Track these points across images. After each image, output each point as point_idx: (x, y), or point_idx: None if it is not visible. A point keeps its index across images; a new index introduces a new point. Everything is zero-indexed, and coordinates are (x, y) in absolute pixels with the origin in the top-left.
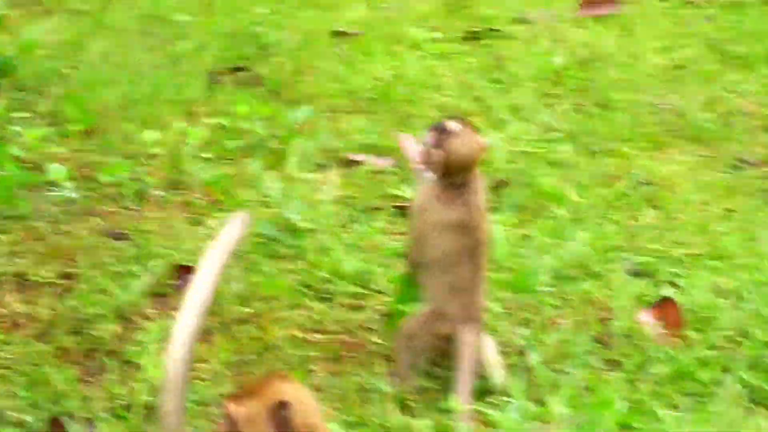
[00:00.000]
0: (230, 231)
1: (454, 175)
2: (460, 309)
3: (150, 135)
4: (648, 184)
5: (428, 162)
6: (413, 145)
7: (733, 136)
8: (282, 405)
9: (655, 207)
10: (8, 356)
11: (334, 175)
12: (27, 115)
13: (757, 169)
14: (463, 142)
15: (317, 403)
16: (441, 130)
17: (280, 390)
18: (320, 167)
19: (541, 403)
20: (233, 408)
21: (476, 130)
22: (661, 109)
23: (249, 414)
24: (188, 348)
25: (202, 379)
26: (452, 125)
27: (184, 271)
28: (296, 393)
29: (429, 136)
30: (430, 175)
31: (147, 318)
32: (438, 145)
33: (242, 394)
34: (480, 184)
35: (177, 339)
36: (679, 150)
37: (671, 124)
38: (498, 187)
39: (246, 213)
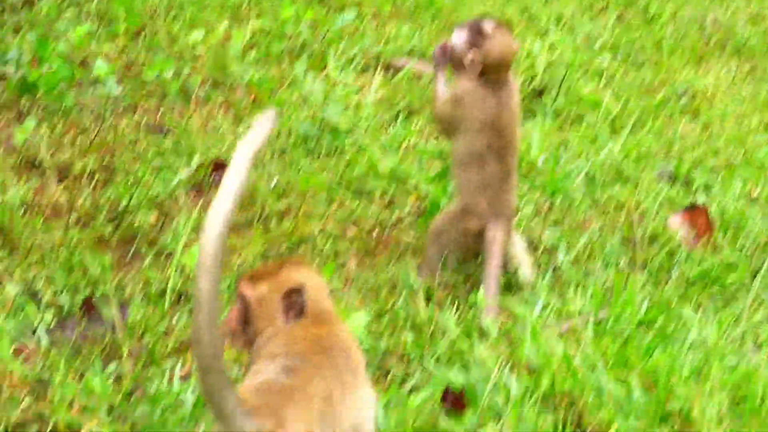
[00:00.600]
0: (260, 126)
1: (488, 73)
2: (489, 206)
3: (196, 36)
4: (688, 95)
5: (463, 60)
6: (447, 47)
7: None
8: (296, 290)
9: (693, 117)
10: (48, 242)
11: (375, 78)
12: (76, 14)
13: None
14: (499, 42)
15: (328, 289)
16: (477, 30)
17: (294, 275)
18: (363, 70)
19: (566, 299)
20: (247, 289)
21: (510, 30)
22: (706, 23)
23: (262, 296)
24: (221, 234)
25: (235, 270)
26: (487, 25)
27: (222, 166)
28: (309, 278)
29: (464, 35)
30: (464, 74)
31: (184, 210)
32: (474, 44)
33: (257, 277)
34: (514, 86)
35: (210, 225)
36: (721, 63)
37: (715, 38)
38: (538, 93)
39: (275, 110)
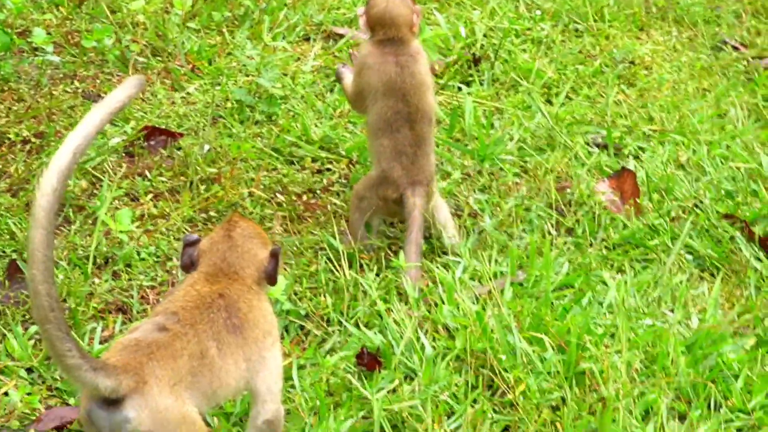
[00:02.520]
0: (123, 89)
1: (377, 32)
2: (405, 173)
3: (137, 4)
4: (626, 62)
5: (363, 21)
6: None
7: (718, 20)
8: (191, 242)
9: (630, 85)
10: None
11: (315, 47)
12: None
13: (738, 52)
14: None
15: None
16: None
17: (217, 229)
18: (304, 39)
19: (489, 263)
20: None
21: None
22: None
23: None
24: (55, 188)
25: (163, 234)
26: None
27: (156, 132)
28: (220, 234)
29: None
30: (364, 35)
31: (115, 176)
32: (367, 7)
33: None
34: (417, 52)
35: (46, 179)
36: (662, 32)
37: (658, 7)
38: (475, 61)
39: (142, 76)
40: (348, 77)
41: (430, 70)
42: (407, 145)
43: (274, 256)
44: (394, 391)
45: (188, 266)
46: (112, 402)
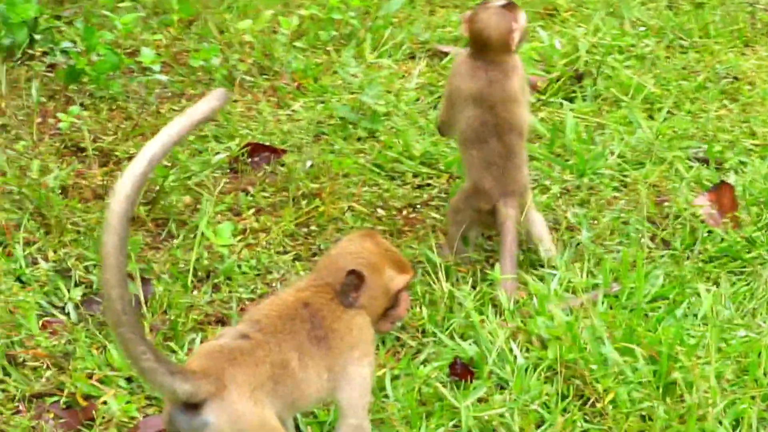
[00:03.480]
0: (206, 102)
1: (478, 49)
2: (496, 184)
3: (244, 24)
4: (729, 77)
5: (464, 28)
6: None
7: None
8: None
9: (733, 100)
10: (84, 222)
11: (419, 64)
12: (131, 5)
13: None
14: (489, 17)
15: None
16: (478, 6)
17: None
18: (409, 57)
19: (584, 276)
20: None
21: (516, 11)
22: (755, 7)
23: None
24: (129, 195)
25: (263, 248)
26: (490, 2)
27: (260, 149)
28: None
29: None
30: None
31: (219, 192)
32: (468, 18)
33: None
34: (513, 67)
35: (121, 186)
36: (767, 48)
37: (763, 23)
38: (578, 78)
39: (226, 90)
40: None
41: (526, 85)
42: (496, 156)
43: (349, 275)
44: (485, 400)
45: None
46: (193, 406)
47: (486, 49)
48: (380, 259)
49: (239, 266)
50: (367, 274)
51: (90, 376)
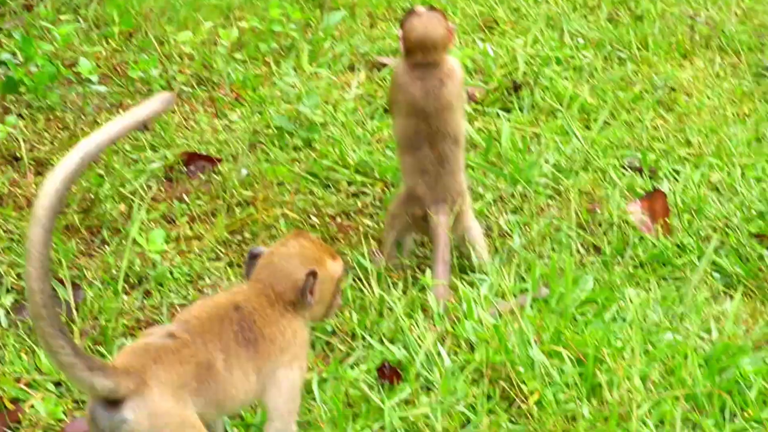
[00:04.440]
0: (149, 104)
1: (413, 55)
2: (429, 190)
3: (184, 35)
4: (666, 88)
5: (401, 43)
6: None
7: (762, 48)
8: (255, 254)
9: (669, 110)
10: (17, 230)
11: (358, 75)
12: (73, 17)
13: None
14: (421, 23)
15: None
16: (409, 11)
17: (284, 241)
18: (349, 69)
19: (514, 281)
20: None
21: (444, 17)
22: (696, 20)
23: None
24: (58, 190)
25: (196, 254)
26: (418, 8)
27: (196, 158)
28: (277, 249)
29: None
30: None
31: (153, 200)
32: (402, 25)
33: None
34: (448, 74)
35: (50, 180)
36: (705, 59)
37: (702, 35)
38: (515, 88)
39: (171, 94)
40: None
41: (462, 91)
42: (429, 163)
43: (308, 276)
44: (412, 402)
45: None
46: (113, 403)
47: (429, 53)
48: (320, 252)
49: (171, 272)
50: (318, 271)
51: (18, 380)
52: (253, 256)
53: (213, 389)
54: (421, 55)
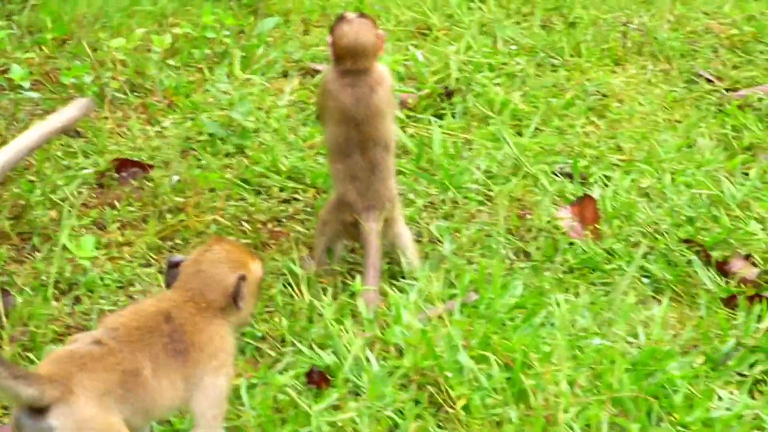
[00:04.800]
0: (68, 110)
1: (342, 61)
2: (359, 197)
3: (117, 42)
4: (598, 95)
5: (330, 50)
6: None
7: (694, 54)
8: (175, 263)
9: (600, 116)
10: None
11: (292, 82)
12: (3, 23)
13: (712, 85)
14: (352, 29)
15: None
16: (338, 18)
17: (202, 251)
18: (282, 75)
19: (443, 286)
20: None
21: (374, 24)
22: (628, 27)
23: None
24: None
25: (127, 261)
26: (348, 15)
27: (128, 164)
28: (201, 256)
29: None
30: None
31: (85, 206)
32: (331, 31)
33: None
34: (378, 81)
35: None
36: (637, 66)
37: (635, 42)
38: (447, 95)
39: (90, 100)
40: None
41: (392, 97)
42: (360, 170)
43: (240, 281)
44: (340, 408)
45: (168, 286)
46: (38, 411)
47: (358, 60)
48: (243, 256)
49: (102, 279)
50: (246, 274)
51: None
52: (173, 265)
53: (140, 397)
54: (350, 62)
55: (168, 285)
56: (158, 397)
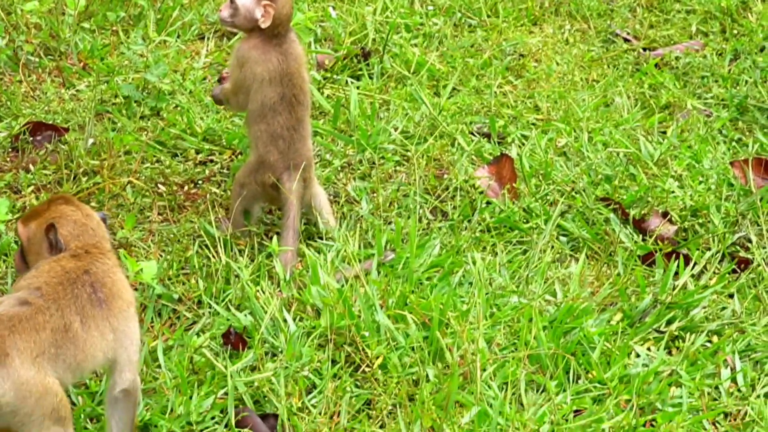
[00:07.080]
0: None
1: (278, 29)
2: (281, 157)
3: (30, 5)
4: (516, 55)
5: (254, 16)
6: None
7: (612, 14)
8: (50, 226)
9: (518, 76)
10: None
11: (207, 44)
12: None
13: (629, 44)
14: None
15: (99, 225)
16: None
17: (58, 211)
18: (199, 38)
19: (360, 246)
20: (20, 228)
21: None
22: None
23: (31, 233)
24: None
25: None
26: None
27: (42, 128)
28: (72, 214)
29: None
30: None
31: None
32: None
33: (28, 216)
34: (297, 42)
35: None
36: (555, 26)
37: (552, 2)
38: (364, 56)
39: None
40: (224, 87)
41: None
42: (285, 129)
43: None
44: (258, 368)
45: (55, 248)
46: None
47: (285, 27)
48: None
49: (17, 242)
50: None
51: None
52: (49, 229)
53: (71, 352)
54: (281, 27)
55: (56, 245)
56: (90, 349)
